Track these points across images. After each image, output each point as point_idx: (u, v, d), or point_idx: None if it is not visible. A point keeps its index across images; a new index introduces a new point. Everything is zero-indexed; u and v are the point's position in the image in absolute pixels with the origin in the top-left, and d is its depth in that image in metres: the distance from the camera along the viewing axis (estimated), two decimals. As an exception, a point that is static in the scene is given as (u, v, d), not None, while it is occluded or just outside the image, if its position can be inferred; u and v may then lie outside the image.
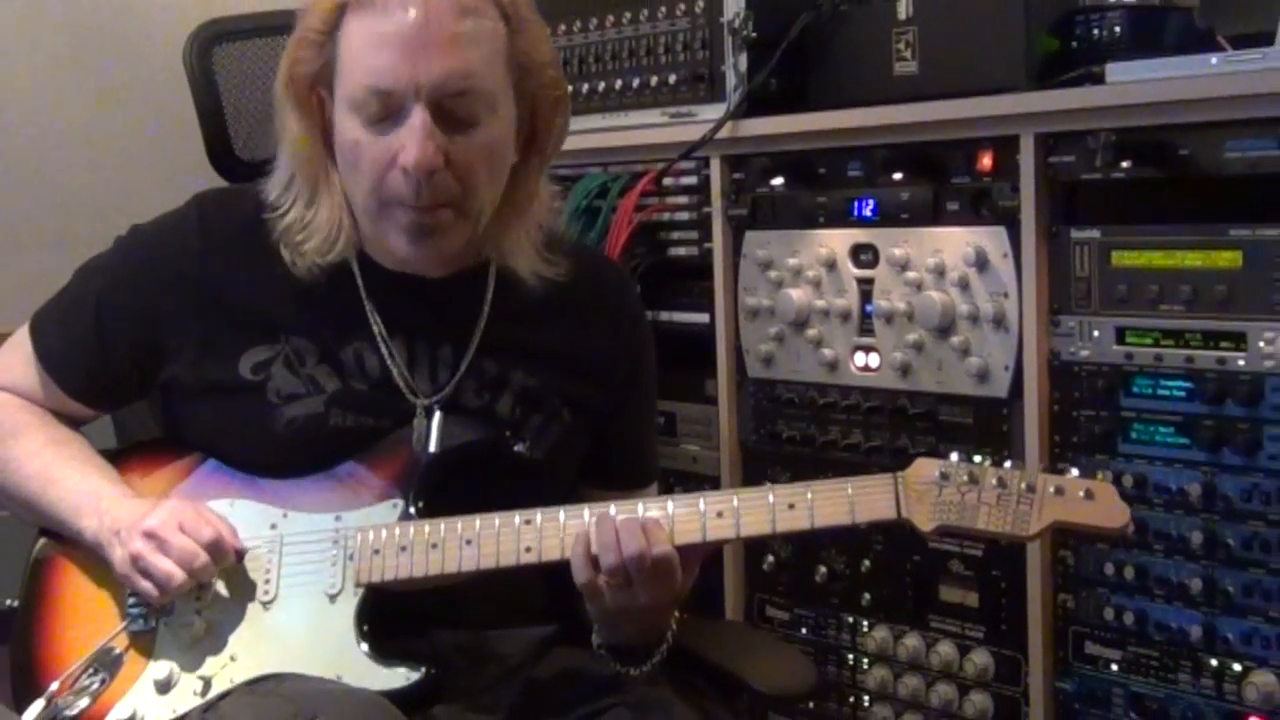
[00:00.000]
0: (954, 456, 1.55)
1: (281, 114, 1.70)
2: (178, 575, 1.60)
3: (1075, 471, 1.53)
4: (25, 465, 1.76)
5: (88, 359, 1.79)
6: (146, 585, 1.62)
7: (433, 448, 1.69)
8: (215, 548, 1.62)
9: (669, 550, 1.54)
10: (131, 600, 1.68)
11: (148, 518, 1.63)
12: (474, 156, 1.65)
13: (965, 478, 1.52)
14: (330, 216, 1.70)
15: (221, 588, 1.67)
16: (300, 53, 1.66)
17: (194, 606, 1.66)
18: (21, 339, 1.83)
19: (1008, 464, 1.54)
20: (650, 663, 1.66)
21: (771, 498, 1.57)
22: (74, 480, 1.73)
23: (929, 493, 1.53)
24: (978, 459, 1.55)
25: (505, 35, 1.65)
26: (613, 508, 1.59)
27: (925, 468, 1.54)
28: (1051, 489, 1.51)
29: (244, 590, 1.67)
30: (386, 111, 1.61)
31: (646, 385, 1.91)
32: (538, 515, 1.61)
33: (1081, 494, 1.51)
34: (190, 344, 1.74)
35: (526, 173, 1.73)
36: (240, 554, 1.66)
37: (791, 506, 1.56)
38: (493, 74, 1.64)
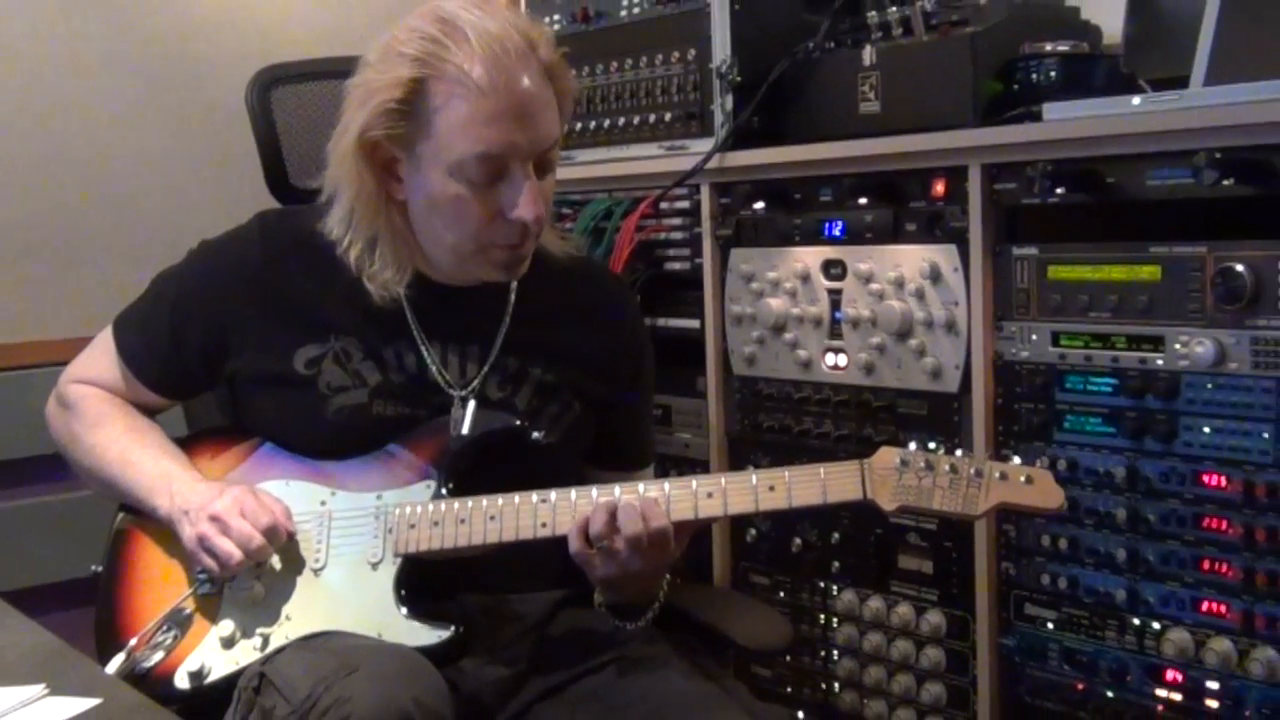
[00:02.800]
0: (912, 446, 1.55)
1: (345, 165, 1.63)
2: (237, 555, 1.60)
3: (1017, 459, 1.55)
4: (108, 450, 1.76)
5: (163, 355, 1.79)
6: (210, 562, 1.62)
7: (465, 430, 1.69)
8: (271, 532, 1.62)
9: (665, 525, 1.54)
10: (199, 567, 1.68)
11: (214, 502, 1.63)
12: (550, 193, 1.67)
13: (922, 464, 1.53)
14: (397, 251, 1.68)
15: (277, 558, 1.66)
16: (376, 119, 1.58)
17: (254, 573, 1.66)
18: (105, 339, 1.83)
19: (959, 452, 1.54)
20: (644, 618, 1.67)
21: (754, 480, 1.57)
22: (148, 464, 1.73)
23: (891, 477, 1.53)
24: (932, 446, 1.55)
25: (552, 81, 1.64)
26: (618, 489, 1.59)
27: (888, 455, 1.54)
28: (997, 475, 1.51)
29: (297, 559, 1.67)
30: (493, 174, 1.59)
31: (645, 380, 1.91)
32: (552, 494, 1.61)
33: (1022, 479, 1.51)
34: (251, 342, 1.74)
35: None
36: (291, 535, 1.65)
37: (772, 488, 1.56)
38: (561, 122, 1.64)
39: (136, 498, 1.72)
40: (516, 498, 1.61)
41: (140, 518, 1.76)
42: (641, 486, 1.59)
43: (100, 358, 1.83)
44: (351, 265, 1.68)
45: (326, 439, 1.72)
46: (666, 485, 1.59)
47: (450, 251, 1.67)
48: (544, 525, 1.60)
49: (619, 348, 1.84)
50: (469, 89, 1.56)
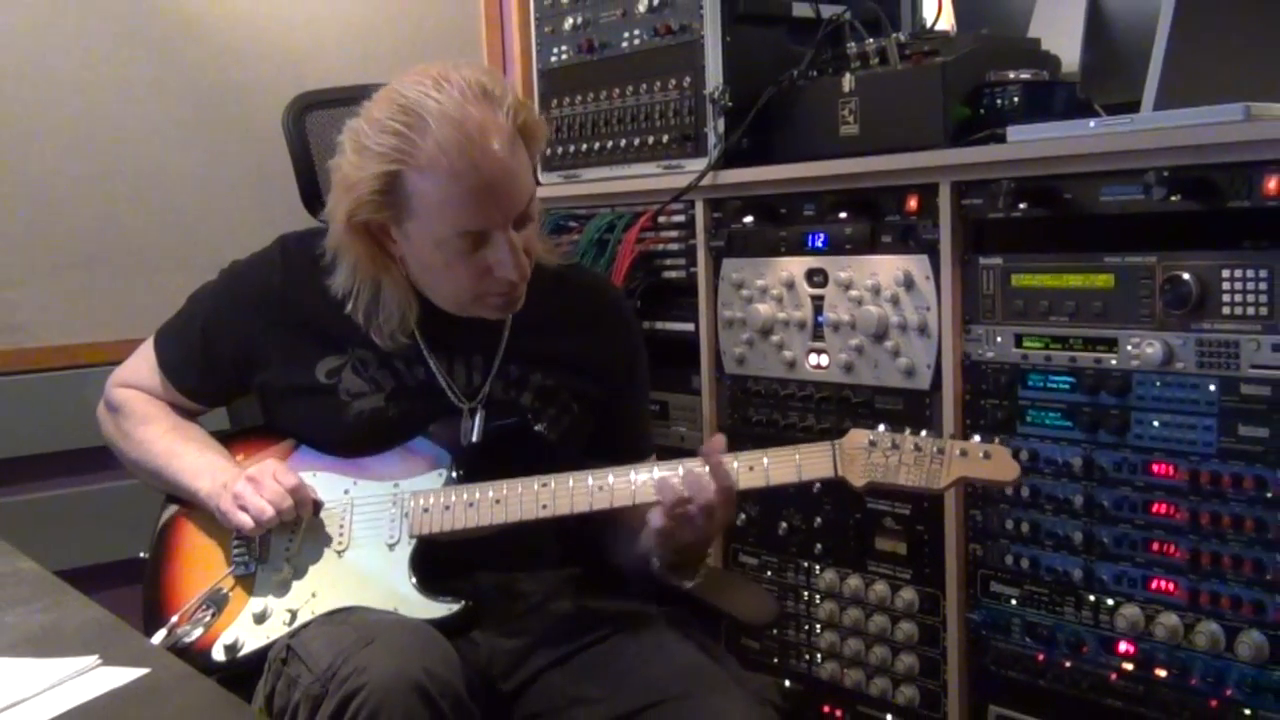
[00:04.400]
0: (881, 428, 1.54)
1: (341, 236, 1.62)
2: (268, 510, 1.60)
3: (977, 438, 1.53)
4: (155, 444, 1.77)
5: (197, 367, 1.79)
6: (244, 519, 1.61)
7: (475, 439, 1.69)
8: (298, 493, 1.63)
9: (732, 483, 1.54)
10: (236, 550, 1.68)
11: (249, 469, 1.65)
12: (532, 237, 1.65)
13: (889, 444, 1.52)
14: (399, 300, 1.67)
15: (304, 541, 1.67)
16: (360, 207, 1.57)
17: (284, 555, 1.66)
18: (147, 350, 1.84)
19: (924, 433, 1.53)
20: (698, 576, 1.67)
21: (736, 465, 1.57)
22: (192, 455, 1.74)
23: (860, 456, 1.53)
24: (902, 430, 1.54)
25: (520, 137, 1.59)
26: (610, 476, 1.59)
27: (857, 436, 1.54)
28: (957, 452, 1.51)
29: (323, 541, 1.67)
30: (476, 243, 1.58)
31: (639, 380, 1.89)
32: (551, 480, 1.61)
33: (981, 455, 1.51)
34: (276, 356, 1.74)
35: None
36: (318, 505, 1.66)
37: (752, 468, 1.56)
38: (529, 173, 1.62)
39: (180, 484, 1.73)
40: (519, 484, 1.62)
41: (184, 509, 1.76)
42: (632, 472, 1.59)
43: (142, 366, 1.84)
44: (361, 322, 1.67)
45: (348, 439, 1.72)
46: (658, 473, 1.59)
47: (449, 299, 1.67)
48: (544, 507, 1.60)
49: (613, 349, 1.84)
50: (440, 175, 1.53)
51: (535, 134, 1.62)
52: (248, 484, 1.63)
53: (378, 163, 1.54)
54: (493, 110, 1.55)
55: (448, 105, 1.52)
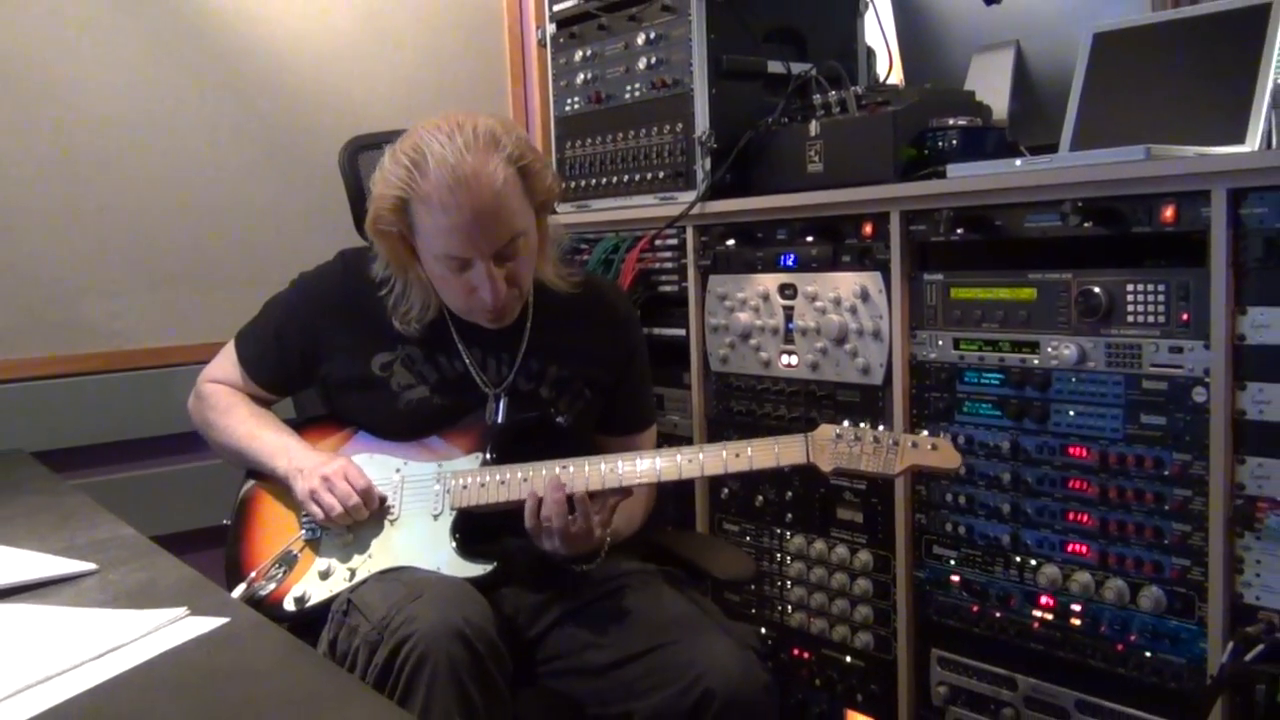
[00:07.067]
0: (845, 423, 1.55)
1: (374, 240, 1.65)
2: (338, 508, 1.60)
3: (926, 432, 1.53)
4: (238, 428, 1.77)
5: (271, 362, 1.79)
6: (317, 510, 1.62)
7: (500, 419, 1.70)
8: (366, 494, 1.62)
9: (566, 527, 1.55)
10: (305, 518, 1.68)
11: (324, 466, 1.64)
12: (521, 269, 1.64)
13: (852, 436, 1.53)
14: (422, 297, 1.69)
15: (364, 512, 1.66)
16: (381, 215, 1.60)
17: (345, 522, 1.66)
18: (229, 350, 1.84)
19: (881, 428, 1.54)
20: (595, 561, 1.64)
21: (724, 453, 1.57)
22: (270, 437, 1.74)
23: (828, 446, 1.53)
24: (863, 425, 1.54)
25: (522, 183, 1.59)
26: (602, 465, 1.59)
27: (826, 430, 1.54)
28: (909, 443, 1.51)
29: (379, 513, 1.67)
30: (462, 266, 1.59)
31: (640, 364, 1.90)
32: (570, 464, 1.61)
33: (929, 446, 1.51)
34: (338, 350, 1.74)
35: (541, 229, 1.70)
36: (383, 501, 1.65)
37: (738, 455, 1.56)
38: (523, 217, 1.60)
39: (260, 461, 1.72)
40: (543, 466, 1.61)
41: (260, 483, 1.76)
42: (637, 460, 1.59)
43: (225, 363, 1.84)
44: (390, 306, 1.68)
45: (399, 425, 1.72)
46: (659, 460, 1.59)
47: (451, 305, 1.69)
48: (563, 485, 1.60)
49: (618, 341, 1.84)
50: (433, 208, 1.55)
51: (537, 177, 1.61)
52: (322, 482, 1.62)
53: (392, 188, 1.58)
54: (491, 157, 1.54)
55: (448, 151, 1.53)
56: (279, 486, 1.71)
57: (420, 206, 1.56)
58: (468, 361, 1.73)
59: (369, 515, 1.65)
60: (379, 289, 1.70)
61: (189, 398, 1.88)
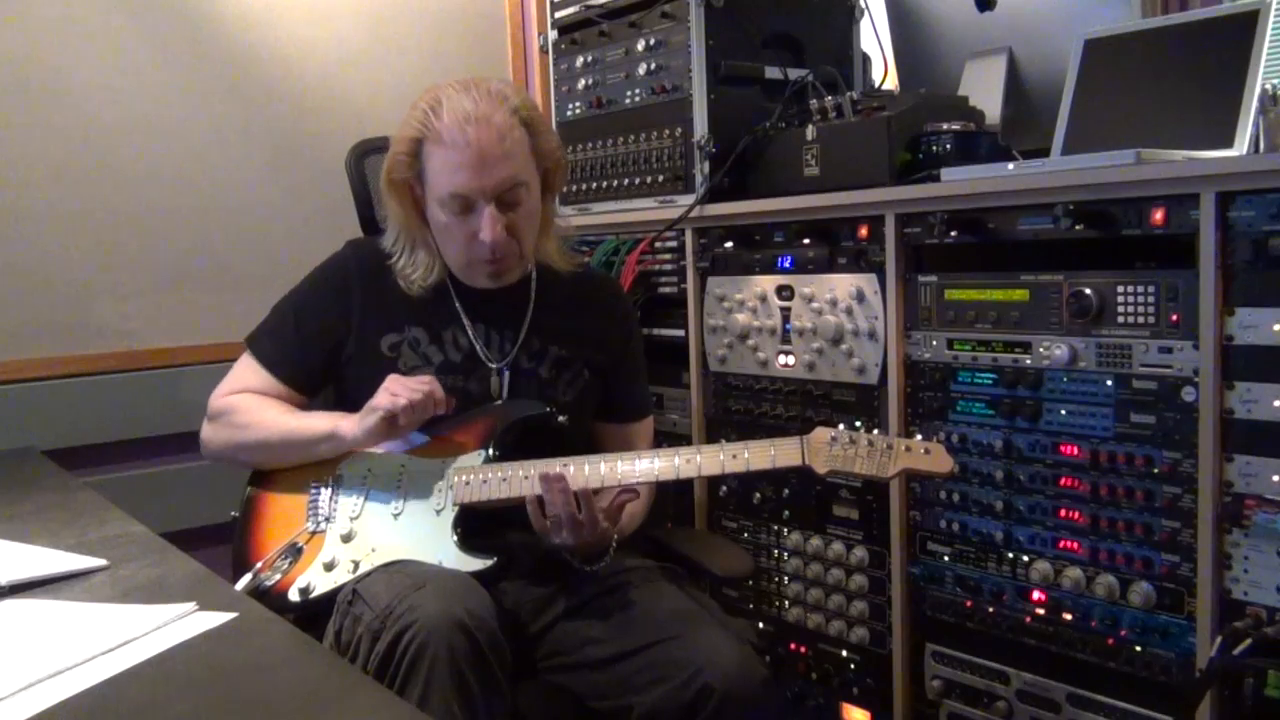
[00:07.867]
0: (841, 426, 1.55)
1: (387, 198, 1.73)
2: (418, 393, 1.60)
3: (919, 436, 1.54)
4: (277, 422, 1.73)
5: (294, 353, 1.78)
6: (399, 400, 1.60)
7: (504, 395, 1.74)
8: (433, 391, 1.63)
9: (577, 514, 1.56)
10: (310, 511, 1.68)
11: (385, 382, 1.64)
12: (521, 221, 1.68)
13: (847, 440, 1.53)
14: (426, 259, 1.74)
15: (367, 505, 1.67)
16: (394, 166, 1.68)
17: (350, 516, 1.66)
18: (243, 362, 1.80)
19: (875, 431, 1.54)
20: (603, 560, 1.65)
21: (721, 455, 1.57)
22: (310, 420, 1.72)
23: (823, 449, 1.54)
24: (858, 426, 1.55)
25: (528, 138, 1.67)
26: (601, 464, 1.60)
27: (822, 433, 1.55)
28: (903, 447, 1.51)
29: (383, 506, 1.67)
30: (465, 207, 1.64)
31: (635, 351, 1.92)
32: (571, 462, 1.61)
33: (922, 451, 1.52)
34: (354, 331, 1.76)
35: (545, 207, 1.77)
36: (451, 401, 1.66)
37: (735, 457, 1.57)
38: (526, 168, 1.67)
39: (316, 437, 1.69)
40: (544, 464, 1.62)
41: (265, 480, 1.76)
42: (636, 459, 1.60)
43: (241, 373, 1.79)
44: (397, 271, 1.73)
45: None
46: (657, 460, 1.59)
47: (454, 262, 1.73)
48: (561, 475, 1.60)
49: (614, 327, 1.87)
50: (443, 145, 1.62)
51: (542, 137, 1.69)
52: (392, 382, 1.62)
53: (409, 130, 1.66)
54: (499, 106, 1.64)
55: (462, 97, 1.64)
56: (286, 481, 1.72)
57: (433, 147, 1.63)
58: (471, 335, 1.74)
59: (372, 508, 1.66)
60: (387, 269, 1.73)
61: (201, 427, 1.81)
